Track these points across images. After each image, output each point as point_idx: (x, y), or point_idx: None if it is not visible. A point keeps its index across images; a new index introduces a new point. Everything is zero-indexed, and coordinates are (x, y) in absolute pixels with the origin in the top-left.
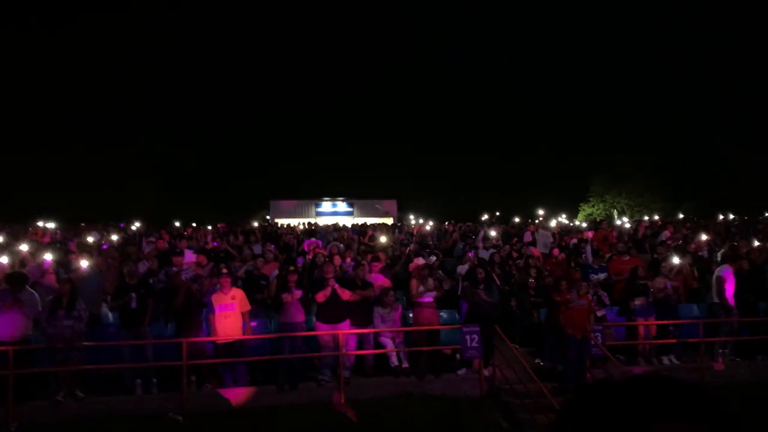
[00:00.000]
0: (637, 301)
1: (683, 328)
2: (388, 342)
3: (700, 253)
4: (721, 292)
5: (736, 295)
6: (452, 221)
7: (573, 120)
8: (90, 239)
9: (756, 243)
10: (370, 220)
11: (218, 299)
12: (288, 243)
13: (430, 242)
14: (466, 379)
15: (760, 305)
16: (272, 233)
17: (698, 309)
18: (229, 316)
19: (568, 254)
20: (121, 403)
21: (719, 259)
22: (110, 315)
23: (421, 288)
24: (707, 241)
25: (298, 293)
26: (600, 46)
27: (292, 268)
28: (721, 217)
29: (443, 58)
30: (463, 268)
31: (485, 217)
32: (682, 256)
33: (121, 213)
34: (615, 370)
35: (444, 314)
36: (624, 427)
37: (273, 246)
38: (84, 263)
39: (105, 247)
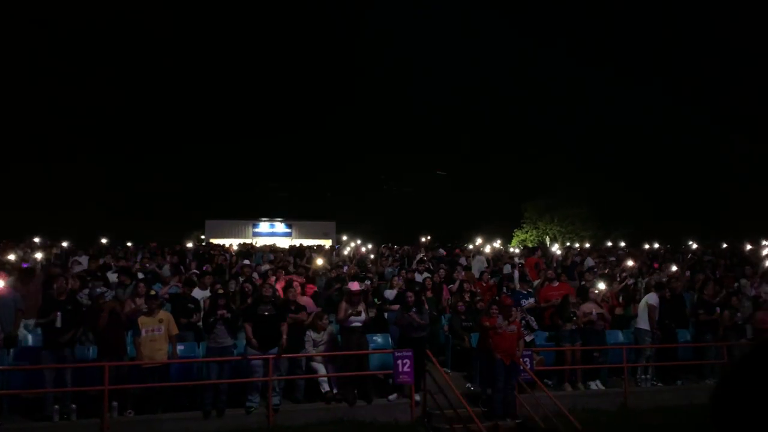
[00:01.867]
0: (568, 327)
1: (609, 354)
2: (319, 367)
3: (627, 282)
4: (651, 318)
5: (661, 320)
6: (389, 244)
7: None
8: (11, 257)
9: (673, 269)
10: (309, 242)
11: (144, 322)
12: (221, 264)
13: (369, 265)
14: (397, 405)
15: (679, 332)
16: (205, 254)
17: (623, 335)
18: (156, 339)
19: (501, 280)
20: (35, 430)
21: (644, 287)
22: (29, 336)
23: (350, 311)
24: (632, 268)
25: (227, 315)
26: (535, 81)
27: (222, 291)
28: (647, 246)
29: (379, 92)
30: (390, 293)
31: (423, 240)
32: (608, 283)
33: (50, 231)
34: (542, 396)
35: (378, 339)
36: None
37: (207, 267)
38: (0, 282)
39: (25, 266)
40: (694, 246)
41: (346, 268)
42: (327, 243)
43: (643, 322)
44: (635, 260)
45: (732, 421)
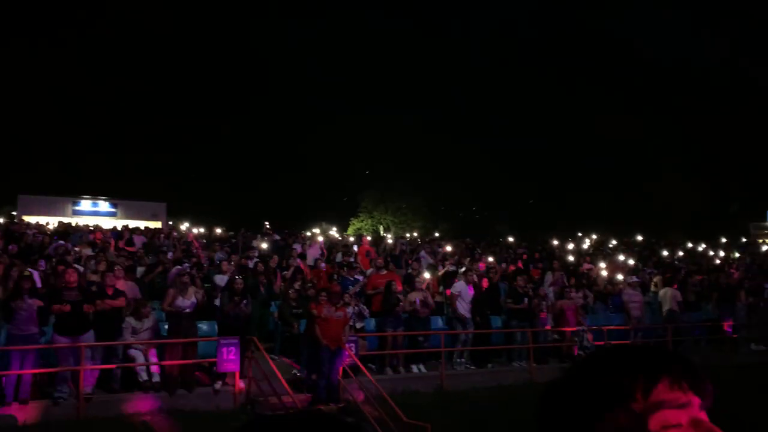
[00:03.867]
0: (398, 313)
1: (431, 339)
2: (138, 355)
3: (448, 269)
4: (453, 305)
5: (474, 308)
6: (224, 228)
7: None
8: None
9: (490, 259)
10: (136, 224)
11: None
12: (30, 244)
13: (194, 250)
14: (221, 393)
15: (493, 318)
16: (13, 232)
17: (442, 321)
18: None
19: (333, 267)
20: None
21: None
22: None
23: (179, 298)
24: (452, 256)
25: (34, 301)
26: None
27: (27, 272)
28: (469, 238)
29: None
30: (221, 278)
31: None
32: (432, 271)
33: None
34: (366, 381)
35: (204, 326)
36: (623, 388)
37: (13, 246)
38: None
39: None
40: (511, 239)
41: (171, 254)
42: (157, 225)
43: (458, 309)
44: (455, 250)
45: (550, 425)
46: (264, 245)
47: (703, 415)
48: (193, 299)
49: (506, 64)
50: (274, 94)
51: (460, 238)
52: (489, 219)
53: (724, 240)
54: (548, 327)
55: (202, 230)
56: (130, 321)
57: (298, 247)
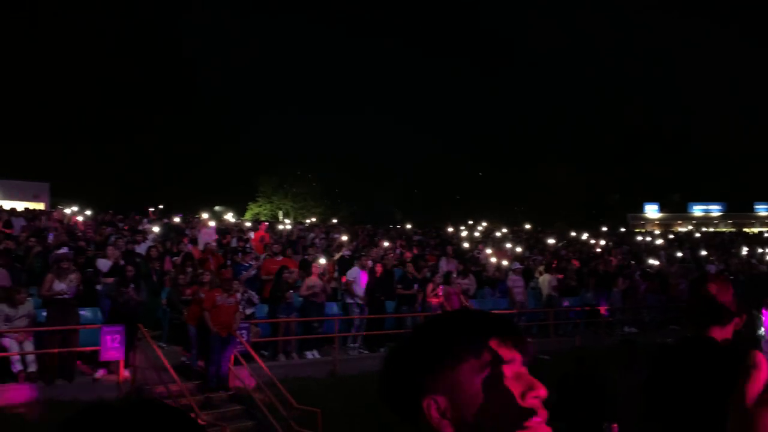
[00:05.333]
0: (289, 299)
1: (325, 325)
2: (12, 344)
3: (345, 255)
4: (350, 292)
5: (369, 294)
6: (111, 212)
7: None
8: None
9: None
10: (15, 204)
11: None
12: None
13: (79, 234)
14: (103, 383)
15: (388, 304)
16: None
17: (337, 307)
18: None
19: (226, 253)
20: None
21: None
22: None
23: (57, 283)
24: (351, 245)
25: None
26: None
27: None
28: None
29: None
30: (104, 263)
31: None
32: (328, 257)
33: None
34: (257, 367)
35: (87, 313)
36: (464, 343)
37: None
38: None
39: None
40: (408, 226)
41: (52, 236)
42: (39, 206)
43: (349, 295)
44: (353, 236)
45: (389, 394)
46: (156, 229)
47: (524, 370)
48: (74, 285)
49: (394, 57)
50: (175, 77)
51: (360, 225)
52: (388, 207)
53: (604, 229)
54: (438, 312)
55: (89, 213)
56: (3, 308)
57: (189, 231)
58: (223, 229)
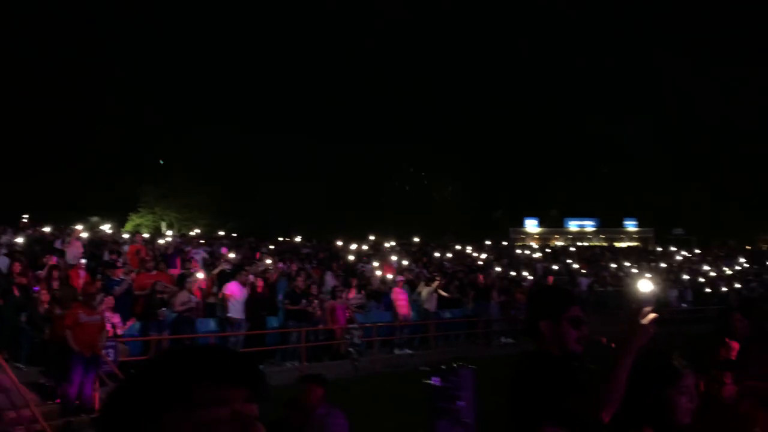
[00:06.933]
0: (161, 316)
1: (200, 341)
2: None
3: (225, 269)
4: (224, 307)
5: (249, 310)
6: None
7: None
8: None
9: (268, 261)
10: None
11: None
12: None
13: None
14: None
15: (271, 319)
16: None
17: (214, 323)
18: None
19: (97, 267)
20: None
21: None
22: None
23: None
24: (235, 259)
25: None
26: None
27: None
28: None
29: None
30: None
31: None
32: (208, 271)
33: None
34: None
35: None
36: (168, 391)
37: None
38: None
39: None
40: (298, 239)
41: None
42: None
43: (231, 311)
44: (237, 251)
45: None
46: (19, 240)
47: (248, 408)
48: None
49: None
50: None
51: (245, 238)
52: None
53: (488, 243)
54: (321, 326)
55: None
56: None
57: (57, 243)
58: (97, 242)
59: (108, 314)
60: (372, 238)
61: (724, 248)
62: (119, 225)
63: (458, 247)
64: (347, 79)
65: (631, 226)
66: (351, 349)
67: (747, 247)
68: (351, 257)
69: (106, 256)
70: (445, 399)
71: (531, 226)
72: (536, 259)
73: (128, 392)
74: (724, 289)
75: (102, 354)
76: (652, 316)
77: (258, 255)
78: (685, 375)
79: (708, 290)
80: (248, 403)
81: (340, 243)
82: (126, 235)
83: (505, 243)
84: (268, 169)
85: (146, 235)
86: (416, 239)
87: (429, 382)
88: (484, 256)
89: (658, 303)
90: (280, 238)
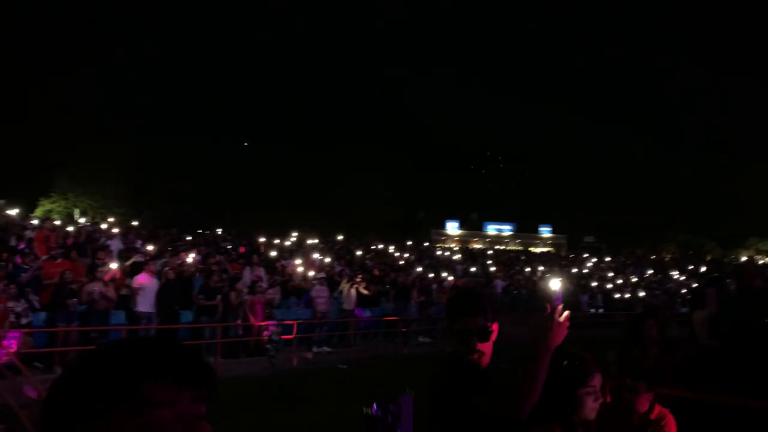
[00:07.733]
0: (71, 307)
1: (110, 335)
2: None
3: (138, 260)
4: (135, 301)
5: (163, 303)
6: None
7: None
8: None
9: (192, 255)
10: None
11: None
12: None
13: None
14: None
15: (185, 314)
16: None
17: (125, 316)
18: None
19: (5, 253)
20: None
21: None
22: None
23: None
24: (153, 249)
25: None
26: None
27: None
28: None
29: None
30: None
31: None
32: (121, 262)
33: None
34: (25, 381)
35: None
36: (114, 390)
37: None
38: None
39: None
40: (219, 231)
41: None
42: None
43: (139, 304)
44: (156, 243)
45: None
46: None
47: (196, 408)
48: None
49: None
50: None
51: (164, 229)
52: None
53: (410, 243)
54: (239, 322)
55: None
56: None
57: None
58: (2, 226)
59: (11, 303)
60: (295, 234)
61: (632, 257)
62: (28, 210)
63: (381, 247)
64: (252, 78)
65: (545, 232)
66: (268, 346)
67: (652, 256)
68: (273, 253)
69: (13, 242)
70: (384, 430)
71: (452, 228)
72: (456, 261)
73: (74, 386)
74: (627, 296)
75: (2, 344)
76: (566, 313)
77: (176, 247)
78: (594, 375)
79: (616, 296)
80: (197, 404)
81: (263, 239)
82: (35, 221)
83: (426, 244)
84: (185, 165)
85: (57, 222)
86: (340, 237)
87: (368, 411)
88: (406, 255)
89: (570, 306)
90: (200, 231)
